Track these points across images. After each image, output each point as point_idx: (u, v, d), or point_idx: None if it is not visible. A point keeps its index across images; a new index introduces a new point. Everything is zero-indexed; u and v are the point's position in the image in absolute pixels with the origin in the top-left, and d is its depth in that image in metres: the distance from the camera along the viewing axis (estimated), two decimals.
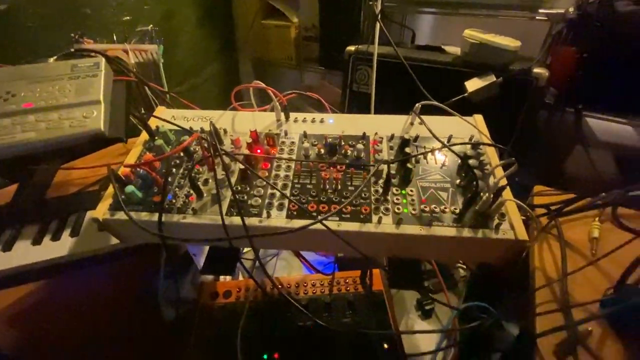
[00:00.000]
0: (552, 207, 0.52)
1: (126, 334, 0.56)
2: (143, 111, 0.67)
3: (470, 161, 0.40)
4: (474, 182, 0.37)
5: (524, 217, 0.39)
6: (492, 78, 0.71)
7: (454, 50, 0.83)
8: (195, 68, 1.18)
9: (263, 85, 0.48)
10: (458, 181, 0.40)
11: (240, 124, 0.49)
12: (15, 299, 0.49)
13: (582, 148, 0.76)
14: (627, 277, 0.40)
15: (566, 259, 0.47)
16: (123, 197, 0.39)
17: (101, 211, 0.40)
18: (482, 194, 0.37)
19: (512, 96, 0.73)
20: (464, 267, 0.67)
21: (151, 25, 0.83)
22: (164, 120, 0.49)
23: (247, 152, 0.43)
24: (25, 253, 0.45)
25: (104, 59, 0.51)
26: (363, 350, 0.51)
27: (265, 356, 0.51)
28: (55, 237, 0.47)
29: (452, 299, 0.62)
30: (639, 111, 0.71)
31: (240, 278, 0.71)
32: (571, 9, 0.71)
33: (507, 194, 0.39)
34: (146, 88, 0.66)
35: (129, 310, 0.56)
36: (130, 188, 0.39)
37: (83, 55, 0.57)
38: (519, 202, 0.38)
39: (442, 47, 0.85)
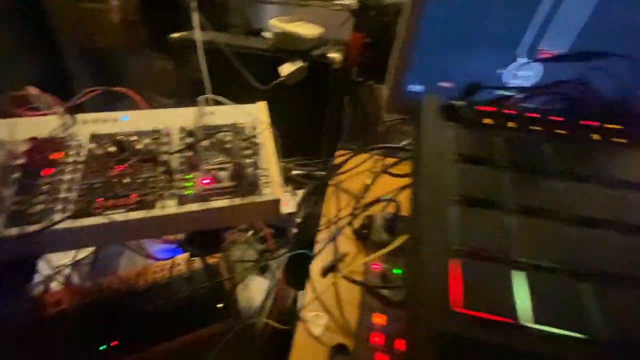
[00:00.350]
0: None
1: None
2: None
3: (244, 142, 0.49)
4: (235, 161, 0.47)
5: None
6: (299, 63, 0.83)
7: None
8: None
9: (37, 91, 0.47)
10: (229, 160, 0.49)
11: (23, 131, 0.48)
12: None
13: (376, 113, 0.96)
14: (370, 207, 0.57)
15: (340, 203, 0.63)
16: None
17: None
18: (248, 168, 0.47)
19: (319, 77, 0.87)
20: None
21: None
22: None
23: (24, 160, 0.43)
24: None
25: None
26: (198, 315, 0.59)
27: (103, 347, 0.54)
28: None
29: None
30: None
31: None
32: (353, 1, 0.86)
33: (272, 163, 0.49)
34: None
35: None
36: None
37: None
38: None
39: (262, 33, 0.93)
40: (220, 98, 0.54)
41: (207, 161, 0.48)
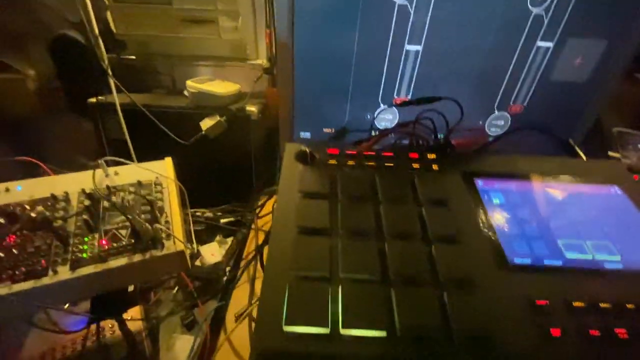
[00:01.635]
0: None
1: None
2: None
3: (149, 197, 0.51)
4: (136, 218, 0.48)
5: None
6: (217, 118, 0.88)
7: None
8: None
9: None
10: (131, 217, 0.50)
11: None
12: None
13: None
14: None
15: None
16: None
17: None
18: (148, 224, 0.48)
19: (242, 128, 0.93)
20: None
21: None
22: None
23: None
24: None
25: None
26: None
27: None
28: None
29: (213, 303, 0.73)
30: None
31: None
32: (264, 61, 0.96)
33: (175, 217, 0.51)
34: None
35: None
36: None
37: None
38: (167, 233, 0.51)
39: (184, 91, 0.99)
40: (119, 159, 0.56)
41: (107, 222, 0.49)
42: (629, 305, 0.26)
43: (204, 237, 0.86)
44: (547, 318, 0.25)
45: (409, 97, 0.51)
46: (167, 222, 0.51)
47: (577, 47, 0.47)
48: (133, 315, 0.67)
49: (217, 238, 0.87)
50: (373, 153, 0.38)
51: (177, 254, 0.48)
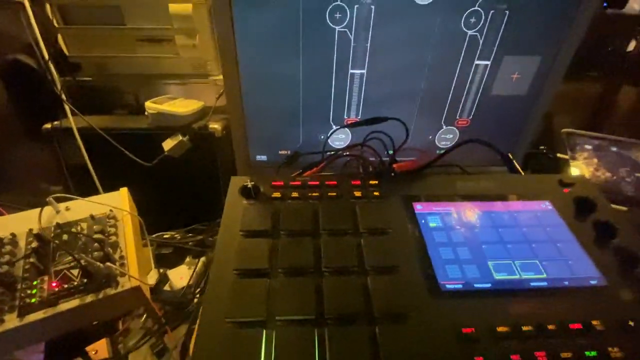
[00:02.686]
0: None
1: None
2: None
3: (96, 235, 0.50)
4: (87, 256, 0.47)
5: None
6: (179, 137, 0.87)
7: None
8: None
9: None
10: (79, 258, 0.49)
11: None
12: None
13: None
14: None
15: None
16: None
17: None
18: (101, 261, 0.47)
19: (206, 146, 0.92)
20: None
21: None
22: None
23: None
24: None
25: None
26: None
27: None
28: None
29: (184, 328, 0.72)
30: None
31: None
32: None
33: (130, 251, 0.50)
34: None
35: None
36: None
37: None
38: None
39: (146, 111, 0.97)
40: (71, 196, 0.54)
41: (57, 262, 0.48)
42: (550, 327, 0.27)
43: (173, 259, 0.85)
44: (472, 346, 0.26)
45: (359, 117, 0.52)
46: (121, 257, 0.50)
47: (513, 64, 0.49)
48: (99, 349, 0.65)
49: (187, 260, 0.86)
50: (317, 182, 0.38)
51: (132, 289, 0.47)
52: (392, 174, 0.41)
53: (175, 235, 0.88)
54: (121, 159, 0.90)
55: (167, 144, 0.86)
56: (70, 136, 0.89)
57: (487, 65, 0.49)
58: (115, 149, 0.89)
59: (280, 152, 0.56)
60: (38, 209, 0.53)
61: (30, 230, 0.50)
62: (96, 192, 0.95)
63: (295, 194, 0.37)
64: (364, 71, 0.48)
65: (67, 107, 0.86)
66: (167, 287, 0.80)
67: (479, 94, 0.52)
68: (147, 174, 0.92)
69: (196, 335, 0.26)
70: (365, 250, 0.32)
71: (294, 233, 0.33)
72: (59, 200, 0.55)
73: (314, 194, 0.37)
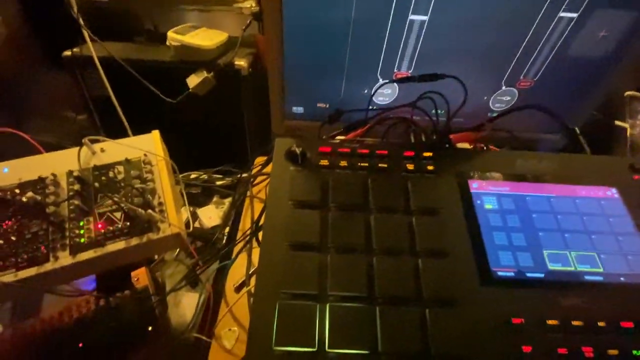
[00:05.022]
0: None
1: None
2: None
3: (134, 181, 0.50)
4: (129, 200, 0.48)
5: None
6: (204, 74, 0.82)
7: None
8: None
9: None
10: (124, 205, 0.50)
11: None
12: None
13: None
14: None
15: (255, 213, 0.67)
16: None
17: None
18: (142, 206, 0.48)
19: (231, 84, 0.87)
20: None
21: None
22: None
23: None
24: None
25: None
26: (130, 342, 0.62)
27: None
28: None
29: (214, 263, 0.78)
30: None
31: None
32: (253, 4, 0.85)
33: (168, 197, 0.51)
34: None
35: None
36: None
37: None
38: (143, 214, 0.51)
39: (167, 41, 0.90)
40: (104, 138, 0.53)
41: (100, 204, 0.49)
42: (600, 323, 0.27)
43: (201, 199, 0.87)
44: (520, 336, 0.27)
45: (410, 72, 0.47)
46: (160, 203, 0.51)
47: (603, 19, 0.41)
48: (139, 277, 0.71)
49: (214, 199, 0.88)
50: (367, 151, 0.36)
51: (173, 236, 0.49)
52: (447, 147, 0.38)
53: (202, 176, 0.89)
54: (143, 92, 0.86)
55: (192, 81, 0.82)
56: (92, 65, 0.84)
57: (572, 18, 0.41)
58: (137, 81, 0.85)
59: (318, 105, 0.53)
60: (74, 149, 0.53)
61: (70, 171, 0.51)
62: (120, 125, 0.95)
63: (343, 163, 0.35)
64: (426, 18, 0.42)
65: (85, 33, 0.80)
66: (196, 224, 0.84)
67: (553, 52, 0.45)
68: (170, 110, 0.90)
69: (253, 305, 0.27)
70: (417, 231, 0.31)
71: (343, 206, 0.32)
72: (92, 142, 0.55)
73: (363, 164, 0.35)
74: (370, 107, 0.46)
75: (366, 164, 0.35)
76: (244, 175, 0.79)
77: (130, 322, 0.65)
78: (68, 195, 0.49)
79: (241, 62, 0.84)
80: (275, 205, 0.32)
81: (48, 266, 0.44)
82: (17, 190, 0.48)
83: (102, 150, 0.54)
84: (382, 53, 0.46)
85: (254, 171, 0.74)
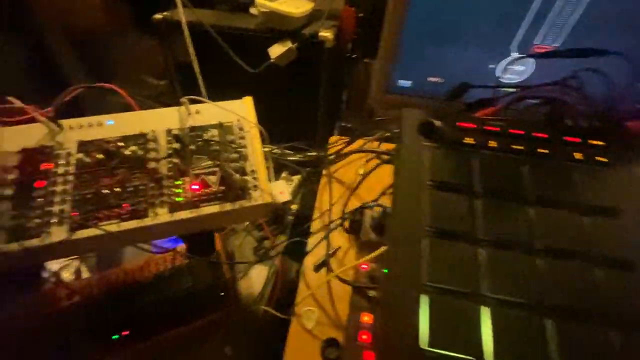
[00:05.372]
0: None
1: None
2: None
3: (231, 146, 0.49)
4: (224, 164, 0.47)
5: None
6: (289, 44, 0.79)
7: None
8: None
9: (19, 102, 0.47)
10: (222, 168, 0.49)
11: (10, 141, 0.48)
12: None
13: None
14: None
15: (333, 194, 0.64)
16: None
17: None
18: (236, 172, 0.47)
19: (312, 57, 0.83)
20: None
21: None
22: None
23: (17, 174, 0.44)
24: None
25: None
26: (201, 304, 0.63)
27: (115, 337, 0.59)
28: None
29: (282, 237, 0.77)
30: None
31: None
32: None
33: (260, 165, 0.50)
34: None
35: None
36: None
37: None
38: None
39: (250, 8, 0.88)
40: (201, 99, 0.52)
41: (196, 165, 0.49)
42: None
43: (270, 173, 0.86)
44: None
45: (556, 45, 0.40)
46: (253, 170, 0.49)
47: None
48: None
49: (283, 175, 0.87)
50: (522, 132, 0.30)
51: (263, 205, 0.48)
52: (621, 133, 0.31)
53: (275, 150, 0.87)
54: (223, 59, 0.86)
55: (274, 51, 0.80)
56: (178, 31, 0.85)
57: None
58: (219, 48, 0.85)
59: (428, 79, 0.47)
60: (172, 108, 0.53)
61: (169, 130, 0.51)
62: (198, 93, 0.96)
63: (492, 144, 0.30)
64: None
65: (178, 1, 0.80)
66: None
67: None
68: (248, 80, 0.89)
69: (385, 294, 0.24)
70: (591, 234, 0.26)
71: (496, 194, 0.28)
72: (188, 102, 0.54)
73: (517, 147, 0.30)
74: (502, 85, 0.39)
75: (522, 147, 0.30)
76: (321, 153, 0.76)
77: (205, 285, 0.66)
78: (167, 154, 0.49)
79: (327, 34, 0.80)
80: (407, 183, 0.28)
81: (147, 221, 0.44)
82: (121, 144, 0.49)
83: (197, 112, 0.54)
84: (524, 20, 0.39)
85: (332, 150, 0.71)
